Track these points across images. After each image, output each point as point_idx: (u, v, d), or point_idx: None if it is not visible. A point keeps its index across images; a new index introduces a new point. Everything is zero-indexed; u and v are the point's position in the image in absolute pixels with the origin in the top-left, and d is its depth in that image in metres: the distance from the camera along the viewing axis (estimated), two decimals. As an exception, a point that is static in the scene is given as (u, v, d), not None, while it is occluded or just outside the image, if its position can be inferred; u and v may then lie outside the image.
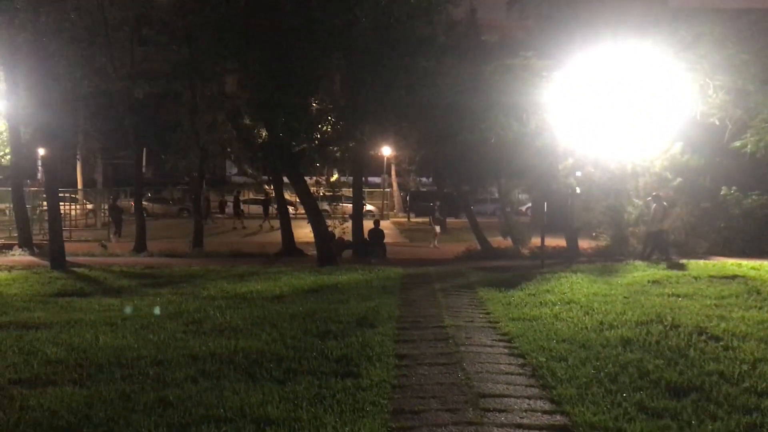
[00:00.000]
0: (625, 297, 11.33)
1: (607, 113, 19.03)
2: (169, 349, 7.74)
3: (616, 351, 7.56)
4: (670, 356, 7.30)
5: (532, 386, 6.45)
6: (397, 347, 7.95)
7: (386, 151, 43.83)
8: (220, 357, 7.38)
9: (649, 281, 13.17)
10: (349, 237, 20.37)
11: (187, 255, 19.31)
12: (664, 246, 18.56)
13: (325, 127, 15.47)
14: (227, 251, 19.85)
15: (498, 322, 9.46)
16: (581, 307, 10.40)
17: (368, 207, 46.50)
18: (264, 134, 17.04)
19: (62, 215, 35.66)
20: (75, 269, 15.58)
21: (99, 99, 27.51)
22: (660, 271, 14.63)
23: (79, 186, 45.50)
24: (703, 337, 8.13)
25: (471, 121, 19.52)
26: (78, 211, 38.63)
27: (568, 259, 17.62)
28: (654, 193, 19.10)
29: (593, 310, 10.07)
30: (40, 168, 46.72)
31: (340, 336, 8.46)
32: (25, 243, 19.85)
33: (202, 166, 20.41)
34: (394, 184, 48.64)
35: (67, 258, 18.21)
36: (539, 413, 5.69)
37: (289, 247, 20.42)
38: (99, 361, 7.20)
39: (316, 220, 15.77)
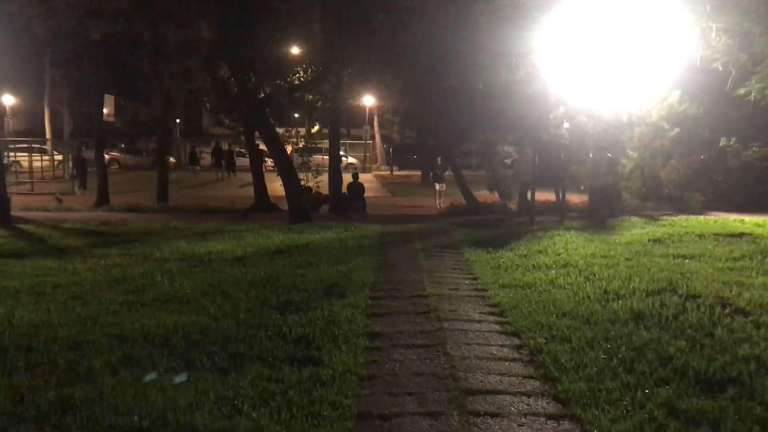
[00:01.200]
0: (627, 259, 10.15)
1: (602, 59, 17.60)
2: (95, 327, 6.45)
3: (628, 328, 6.37)
4: (694, 336, 6.12)
5: (531, 377, 5.25)
6: (369, 323, 6.73)
7: (368, 101, 42.20)
8: (154, 338, 6.10)
9: (650, 240, 12.01)
10: (325, 191, 19.04)
11: (150, 210, 17.90)
12: (610, 202, 17.46)
13: (295, 70, 13.85)
14: (195, 206, 18.45)
15: (487, 290, 8.25)
16: (580, 271, 9.21)
17: (350, 159, 45.02)
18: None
19: (27, 167, 34.62)
20: (21, 226, 14.15)
21: (66, 44, 25.69)
22: (660, 229, 13.49)
23: (47, 136, 43.60)
24: (727, 311, 6.96)
25: (457, 67, 18.07)
26: (46, 163, 36.98)
27: (559, 214, 16.43)
28: (600, 146, 18.05)
29: (594, 276, 8.89)
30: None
31: (303, 308, 7.22)
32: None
33: (165, 114, 18.80)
34: (377, 136, 47.10)
35: (19, 213, 16.80)
36: (543, 419, 4.49)
37: (262, 202, 19.06)
38: (3, 343, 5.91)
39: (287, 173, 14.37)
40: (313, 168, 17.10)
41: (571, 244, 11.65)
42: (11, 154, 34.51)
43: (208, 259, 10.31)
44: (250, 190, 19.77)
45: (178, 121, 59.61)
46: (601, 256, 10.43)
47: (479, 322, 6.85)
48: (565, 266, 9.65)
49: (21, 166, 34.14)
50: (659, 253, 10.72)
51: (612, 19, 17.24)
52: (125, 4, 18.10)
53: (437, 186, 21.65)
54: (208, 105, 32.32)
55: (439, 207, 20.29)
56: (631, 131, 20.03)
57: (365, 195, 20.39)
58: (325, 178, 18.40)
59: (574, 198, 19.75)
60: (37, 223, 14.66)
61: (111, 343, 5.95)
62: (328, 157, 18.99)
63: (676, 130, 18.96)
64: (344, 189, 19.95)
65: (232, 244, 11.56)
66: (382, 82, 32.46)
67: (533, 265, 9.79)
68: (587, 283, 8.48)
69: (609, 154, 17.63)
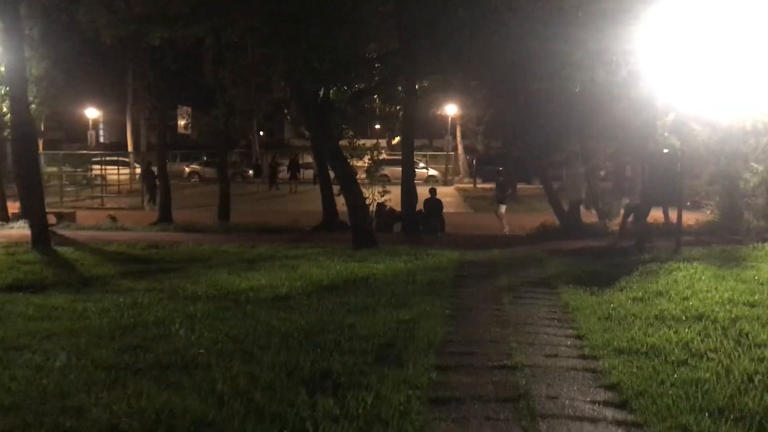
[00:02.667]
0: (782, 309, 7.68)
1: (719, 57, 14.86)
2: (46, 415, 4.69)
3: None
4: None
5: None
6: (429, 416, 4.69)
7: (451, 110, 40.11)
8: (119, 437, 4.29)
9: (800, 278, 9.43)
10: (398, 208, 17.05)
11: (209, 229, 16.43)
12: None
13: (361, 73, 11.96)
14: (257, 224, 16.82)
15: (597, 359, 6.04)
16: (723, 329, 6.83)
17: (431, 172, 43.00)
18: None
19: (109, 180, 34.45)
20: (60, 248, 12.88)
21: (140, 54, 25.04)
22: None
23: (129, 149, 43.73)
24: None
25: (549, 68, 15.75)
26: (127, 176, 36.95)
27: (673, 240, 13.80)
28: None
29: (745, 337, 6.52)
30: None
31: (343, 384, 5.25)
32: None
33: (227, 124, 17.39)
34: (459, 147, 44.81)
35: (70, 232, 15.74)
36: None
37: (331, 220, 17.29)
38: None
39: (350, 190, 12.49)
40: (379, 181, 14.91)
41: (698, 283, 9.21)
42: (94, 167, 34.52)
43: (246, 297, 8.52)
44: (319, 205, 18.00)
45: (261, 133, 59.58)
46: (745, 303, 7.97)
47: (593, 421, 4.66)
48: (699, 319, 7.28)
49: (107, 179, 33.97)
50: (822, 298, 8.16)
51: (733, 9, 14.58)
52: (185, 8, 16.90)
53: (500, 209, 18.09)
54: (288, 117, 31.07)
55: (505, 232, 17.40)
56: (756, 140, 17.11)
57: (444, 212, 18.30)
58: (396, 192, 16.41)
59: (685, 217, 16.95)
60: (79, 246, 13.39)
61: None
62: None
63: (813, 140, 16.00)
64: (420, 205, 17.97)
65: (279, 277, 9.75)
66: (464, 90, 30.42)
67: (655, 316, 7.46)
68: (739, 349, 6.13)
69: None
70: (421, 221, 17.64)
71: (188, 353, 6.11)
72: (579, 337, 6.77)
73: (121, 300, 8.37)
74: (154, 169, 27.20)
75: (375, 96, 14.86)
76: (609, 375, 5.54)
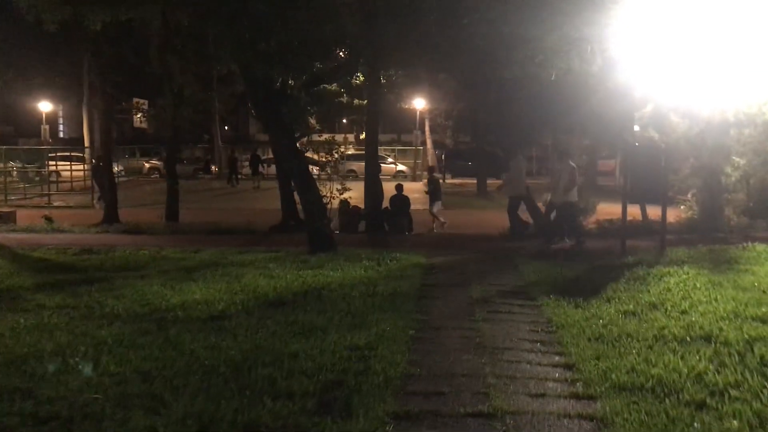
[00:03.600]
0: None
1: (700, 46, 13.86)
2: None
3: None
4: None
5: None
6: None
7: (419, 104, 38.97)
8: None
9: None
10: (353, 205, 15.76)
11: (154, 231, 14.96)
12: (574, 225, 13.68)
13: (316, 56, 10.54)
14: (208, 226, 15.37)
15: (594, 398, 4.87)
16: (739, 355, 5.71)
17: (400, 167, 41.75)
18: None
19: (67, 177, 32.53)
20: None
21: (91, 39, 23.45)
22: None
23: (86, 144, 41.74)
24: None
25: (522, 54, 14.60)
26: (79, 173, 35.04)
27: (659, 239, 12.73)
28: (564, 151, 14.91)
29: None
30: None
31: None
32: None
33: (176, 116, 15.91)
34: (428, 142, 43.68)
35: (5, 232, 14.27)
36: None
37: (289, 221, 15.93)
38: None
39: (305, 188, 11.15)
40: (345, 177, 13.45)
41: (694, 293, 8.13)
42: (51, 163, 32.73)
43: (173, 316, 7.19)
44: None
45: (227, 127, 57.61)
46: (754, 318, 6.89)
47: (601, 503, 3.48)
48: (707, 340, 6.17)
49: (61, 176, 32.16)
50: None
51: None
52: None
53: (434, 207, 16.79)
54: (253, 111, 29.67)
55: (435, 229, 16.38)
56: (738, 133, 16.19)
57: (412, 209, 17.08)
58: (359, 190, 15.13)
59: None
60: (2, 251, 11.90)
61: None
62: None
63: (798, 132, 15.15)
64: (387, 202, 16.75)
65: (218, 289, 8.43)
66: (433, 82, 29.24)
67: (654, 336, 6.34)
68: (767, 385, 5.01)
69: (573, 164, 13.95)
70: (387, 220, 16.42)
71: (79, 399, 4.80)
72: (569, 366, 5.59)
73: (22, 321, 6.99)
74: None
75: (334, 84, 13.52)
76: (612, 425, 4.37)
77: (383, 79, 15.13)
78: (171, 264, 10.53)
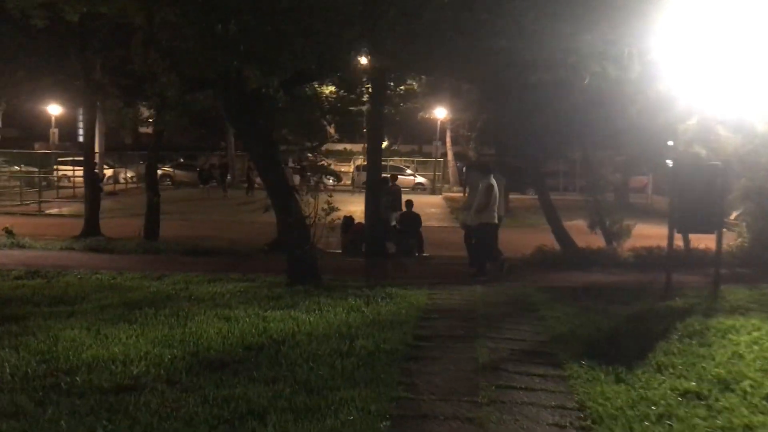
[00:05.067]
0: None
1: (754, 51, 11.76)
2: None
3: None
4: None
5: None
6: None
7: (440, 113, 37.03)
8: None
9: None
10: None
11: (126, 249, 13.15)
12: (486, 251, 11.51)
13: (299, 50, 8.59)
14: (187, 245, 13.47)
15: None
16: None
17: (419, 179, 39.80)
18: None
19: (57, 182, 31.06)
20: None
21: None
22: None
23: (96, 149, 40.39)
24: None
25: (551, 55, 12.60)
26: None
27: (706, 272, 10.63)
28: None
29: None
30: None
31: None
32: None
33: (159, 119, 14.18)
34: (449, 153, 41.67)
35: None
36: None
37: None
38: None
39: (284, 207, 9.23)
40: (321, 190, 11.24)
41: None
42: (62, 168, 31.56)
43: (69, 384, 5.30)
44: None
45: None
46: None
47: None
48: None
49: (69, 180, 30.83)
50: None
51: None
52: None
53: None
54: (225, 116, 27.85)
55: None
56: (798, 150, 14.10)
57: (426, 226, 15.09)
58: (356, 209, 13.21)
59: (708, 242, 13.84)
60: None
61: None
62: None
63: None
64: (396, 221, 14.84)
65: (151, 339, 6.52)
66: (455, 91, 27.37)
67: (737, 445, 4.33)
68: None
69: (492, 181, 11.41)
70: (395, 240, 14.51)
71: None
72: None
73: None
74: (98, 172, 24.05)
75: (330, 86, 11.65)
76: None
77: (391, 82, 13.21)
78: (117, 296, 8.67)
